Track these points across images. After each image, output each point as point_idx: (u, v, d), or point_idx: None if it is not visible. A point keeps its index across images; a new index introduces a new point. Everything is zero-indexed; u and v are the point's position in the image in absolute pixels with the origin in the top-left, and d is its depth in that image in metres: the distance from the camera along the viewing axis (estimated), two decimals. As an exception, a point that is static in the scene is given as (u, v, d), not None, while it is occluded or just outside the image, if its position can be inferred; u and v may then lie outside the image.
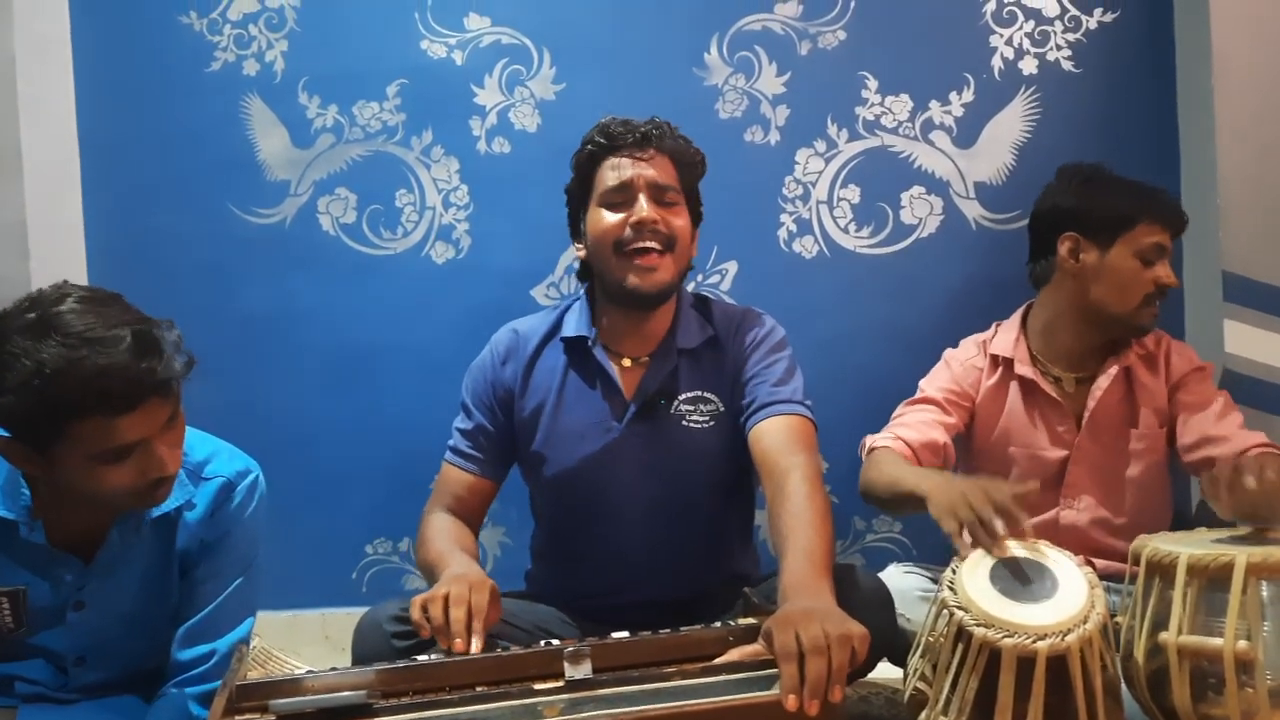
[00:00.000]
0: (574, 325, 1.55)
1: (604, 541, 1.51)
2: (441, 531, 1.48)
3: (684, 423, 1.50)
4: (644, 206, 1.47)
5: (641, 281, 1.48)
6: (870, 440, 1.69)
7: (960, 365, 1.79)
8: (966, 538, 1.31)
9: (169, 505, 1.26)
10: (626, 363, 1.53)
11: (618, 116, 1.53)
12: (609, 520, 1.51)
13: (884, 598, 1.38)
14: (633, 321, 1.53)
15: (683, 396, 1.51)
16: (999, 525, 1.29)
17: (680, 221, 1.50)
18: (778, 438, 1.42)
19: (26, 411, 1.07)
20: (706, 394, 1.51)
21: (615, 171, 1.49)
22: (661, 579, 1.50)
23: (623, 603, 1.50)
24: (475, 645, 1.19)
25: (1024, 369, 1.75)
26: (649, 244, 1.46)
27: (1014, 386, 1.76)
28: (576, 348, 1.54)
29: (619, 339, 1.54)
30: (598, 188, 1.51)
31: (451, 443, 1.58)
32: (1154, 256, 1.68)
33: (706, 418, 1.51)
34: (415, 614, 1.24)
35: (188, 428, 1.31)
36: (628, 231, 1.47)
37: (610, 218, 1.49)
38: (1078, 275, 1.71)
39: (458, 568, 1.34)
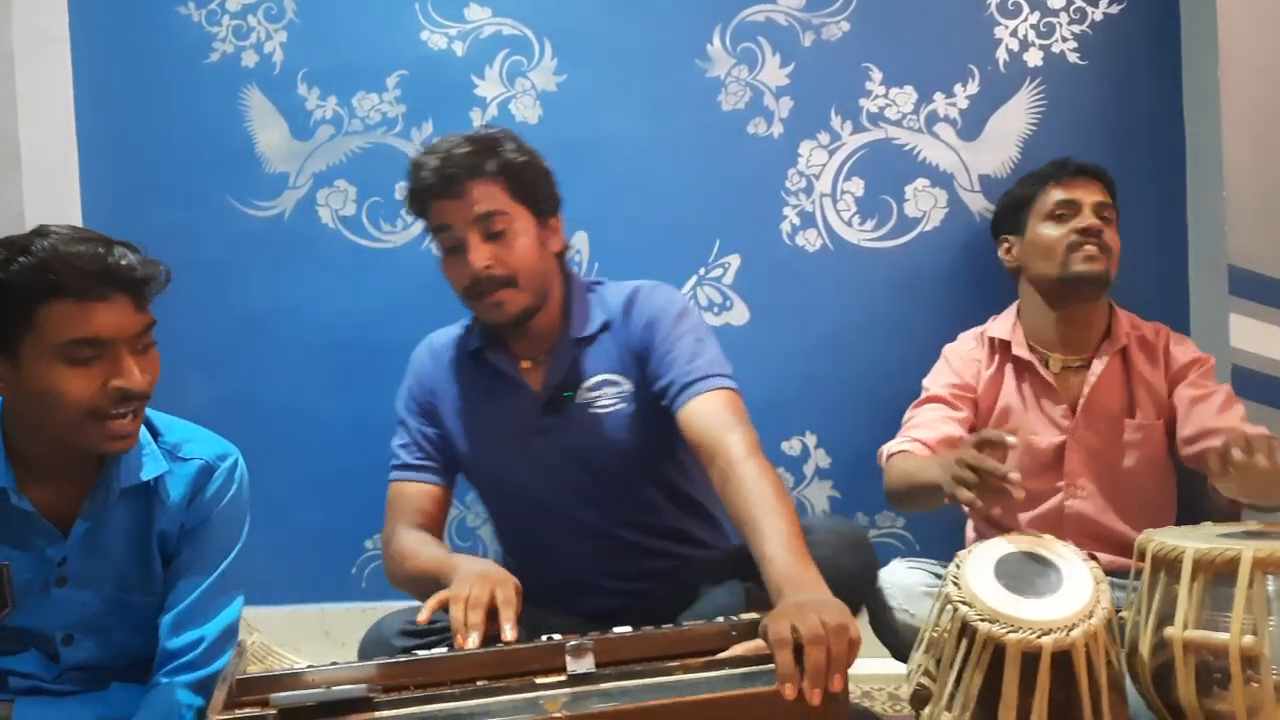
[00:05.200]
0: (476, 336, 1.54)
1: (550, 536, 1.51)
2: (421, 543, 1.44)
3: (591, 410, 1.48)
4: (472, 254, 1.41)
5: (493, 316, 1.46)
6: (887, 448, 1.70)
7: (959, 359, 1.82)
8: (979, 504, 1.32)
9: (143, 475, 1.26)
10: (526, 364, 1.51)
11: (432, 145, 1.45)
12: (547, 515, 1.50)
13: (858, 541, 1.40)
14: (514, 332, 1.50)
15: (587, 384, 1.49)
16: (990, 464, 1.30)
17: (518, 250, 1.43)
18: (707, 417, 1.38)
19: (2, 292, 1.13)
20: (611, 376, 1.49)
21: (436, 215, 1.44)
22: (615, 563, 1.50)
23: (597, 595, 1.50)
24: (509, 634, 1.19)
25: (1020, 350, 1.78)
26: (488, 288, 1.42)
27: (1009, 371, 1.78)
28: (479, 357, 1.53)
29: (512, 343, 1.52)
30: (428, 228, 1.47)
31: (394, 462, 1.54)
32: (1064, 211, 1.77)
33: (615, 400, 1.48)
34: (432, 604, 1.24)
35: (168, 415, 1.33)
36: (466, 281, 1.43)
37: (448, 263, 1.45)
38: (1018, 267, 1.83)
39: (475, 565, 1.32)
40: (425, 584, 1.36)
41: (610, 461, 1.48)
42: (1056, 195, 1.77)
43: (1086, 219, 1.74)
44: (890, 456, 1.68)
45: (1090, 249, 1.72)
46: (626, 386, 1.48)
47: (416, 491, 1.51)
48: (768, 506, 1.25)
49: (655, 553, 1.51)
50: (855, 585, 1.10)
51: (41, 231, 1.17)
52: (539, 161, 1.50)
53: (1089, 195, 1.76)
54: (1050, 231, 1.76)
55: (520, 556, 1.58)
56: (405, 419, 1.56)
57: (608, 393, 1.48)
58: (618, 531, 1.50)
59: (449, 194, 1.42)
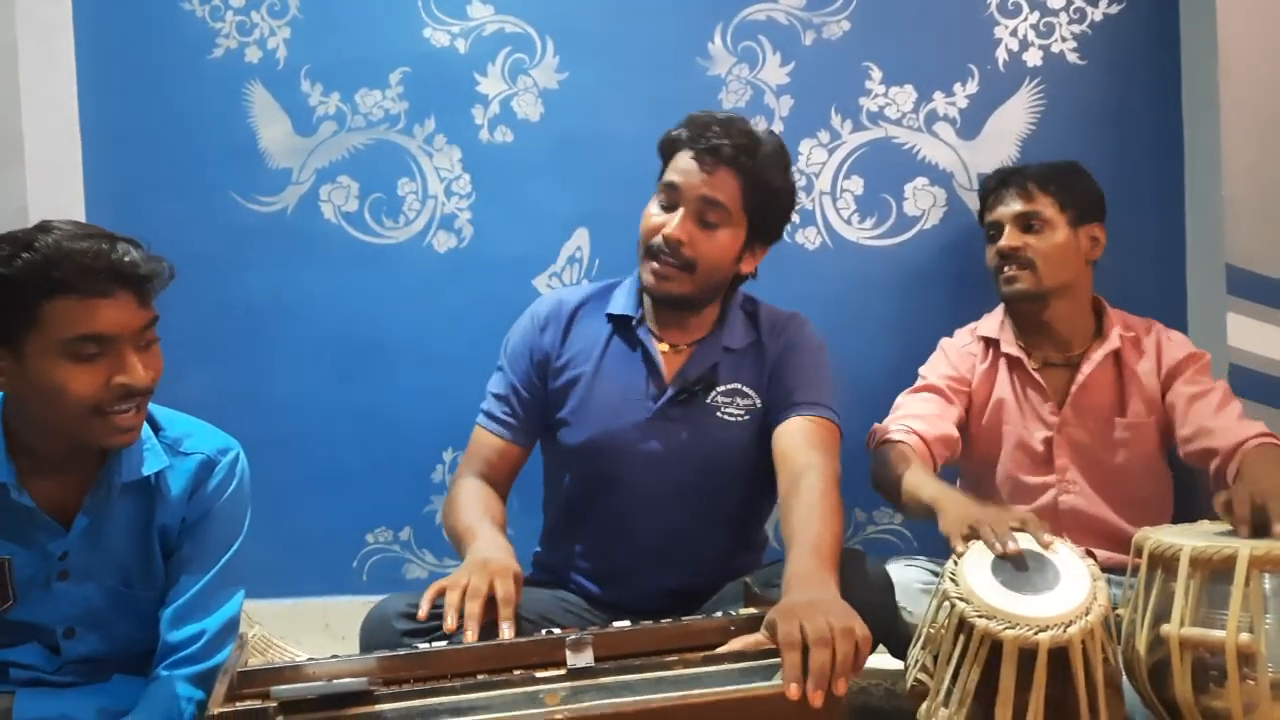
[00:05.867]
0: (621, 303, 1.56)
1: (618, 519, 1.51)
2: (471, 500, 1.48)
3: (719, 414, 1.51)
4: (676, 223, 1.46)
5: (650, 281, 1.49)
6: (881, 431, 1.70)
7: (956, 352, 1.84)
8: (971, 541, 1.33)
9: (144, 470, 1.27)
10: (665, 347, 1.54)
11: (717, 113, 1.50)
12: (627, 497, 1.51)
13: (886, 583, 1.41)
14: (668, 313, 1.54)
15: (721, 388, 1.52)
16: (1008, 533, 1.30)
17: (715, 246, 1.47)
18: (799, 436, 1.44)
19: (6, 289, 1.13)
20: (745, 389, 1.52)
21: (675, 170, 1.48)
22: (668, 566, 1.51)
23: (629, 589, 1.50)
24: (507, 632, 1.21)
25: (1009, 347, 1.79)
26: (667, 258, 1.46)
27: (1003, 366, 1.80)
28: (621, 324, 1.56)
29: (660, 325, 1.55)
30: (663, 174, 1.51)
31: (484, 406, 1.58)
32: (993, 233, 1.81)
33: (742, 412, 1.51)
34: (430, 594, 1.25)
35: (169, 409, 1.33)
36: (657, 239, 1.47)
37: (653, 213, 1.50)
38: None
39: (483, 548, 1.34)
40: (456, 543, 1.42)
41: (717, 467, 1.50)
42: (987, 219, 1.82)
43: (1004, 239, 1.77)
44: (884, 442, 1.68)
45: (1008, 271, 1.76)
46: (756, 401, 1.52)
47: (491, 443, 1.55)
48: (816, 517, 1.30)
49: (707, 568, 1.51)
50: (871, 624, 1.11)
51: (45, 227, 1.17)
52: (788, 192, 1.53)
53: (1008, 209, 1.78)
54: (988, 253, 1.83)
55: (570, 537, 1.57)
56: (505, 367, 1.58)
57: (738, 402, 1.51)
58: (686, 543, 1.51)
59: (696, 162, 1.46)
